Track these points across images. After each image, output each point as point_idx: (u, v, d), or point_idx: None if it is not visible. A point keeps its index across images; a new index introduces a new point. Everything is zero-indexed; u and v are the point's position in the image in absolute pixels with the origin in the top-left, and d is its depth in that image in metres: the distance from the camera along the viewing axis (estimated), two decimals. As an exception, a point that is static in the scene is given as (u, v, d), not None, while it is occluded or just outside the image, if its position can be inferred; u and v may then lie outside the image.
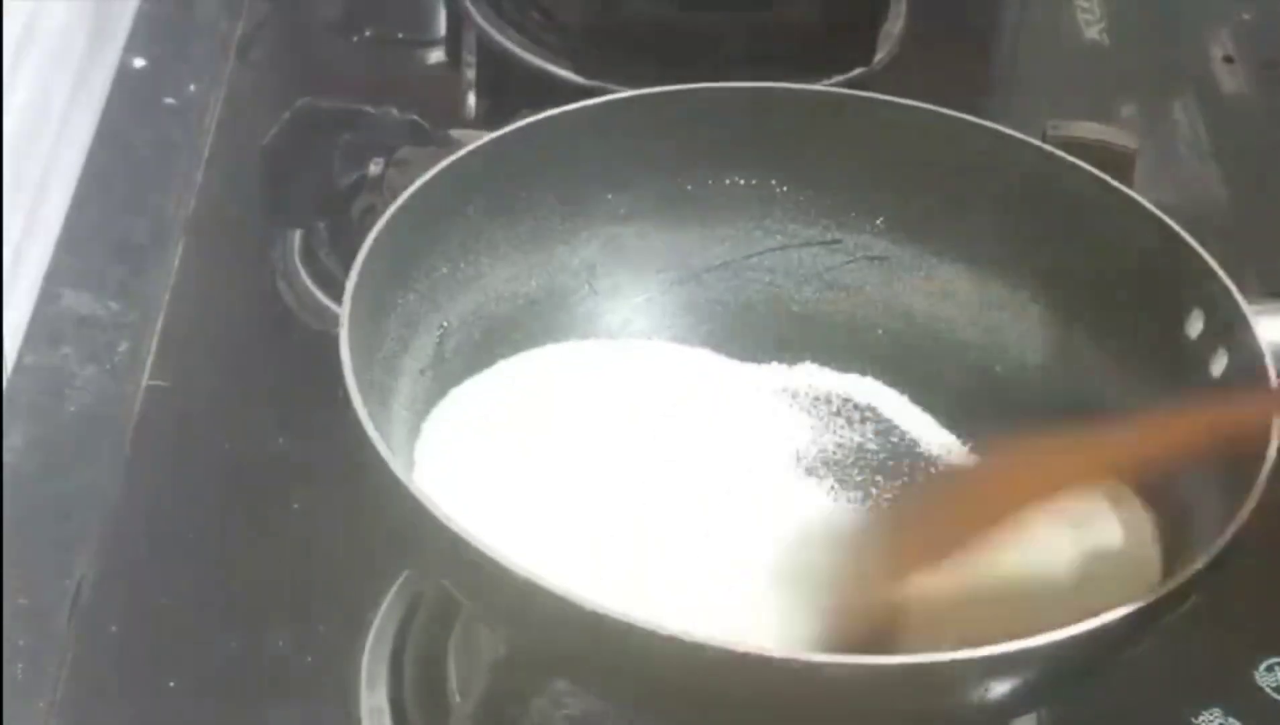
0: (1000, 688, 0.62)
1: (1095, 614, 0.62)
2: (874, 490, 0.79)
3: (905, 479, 0.80)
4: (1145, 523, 0.75)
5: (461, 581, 0.68)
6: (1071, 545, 0.74)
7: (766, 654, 0.61)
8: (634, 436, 0.79)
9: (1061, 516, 0.74)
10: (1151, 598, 0.64)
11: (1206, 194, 1.11)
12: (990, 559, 0.71)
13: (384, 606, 0.83)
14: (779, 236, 0.85)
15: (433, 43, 1.20)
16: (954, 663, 0.61)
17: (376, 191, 0.95)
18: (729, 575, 0.73)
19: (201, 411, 0.95)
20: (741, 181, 0.85)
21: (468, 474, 0.75)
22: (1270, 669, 0.84)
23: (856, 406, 0.83)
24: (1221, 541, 0.65)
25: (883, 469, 0.80)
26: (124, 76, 1.14)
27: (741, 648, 0.60)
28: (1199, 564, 0.65)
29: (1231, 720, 0.82)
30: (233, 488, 0.91)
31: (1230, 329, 0.74)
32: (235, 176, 1.06)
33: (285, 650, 0.83)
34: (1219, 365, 0.74)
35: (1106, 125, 0.99)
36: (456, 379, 0.79)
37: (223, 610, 0.85)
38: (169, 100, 1.13)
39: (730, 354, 0.84)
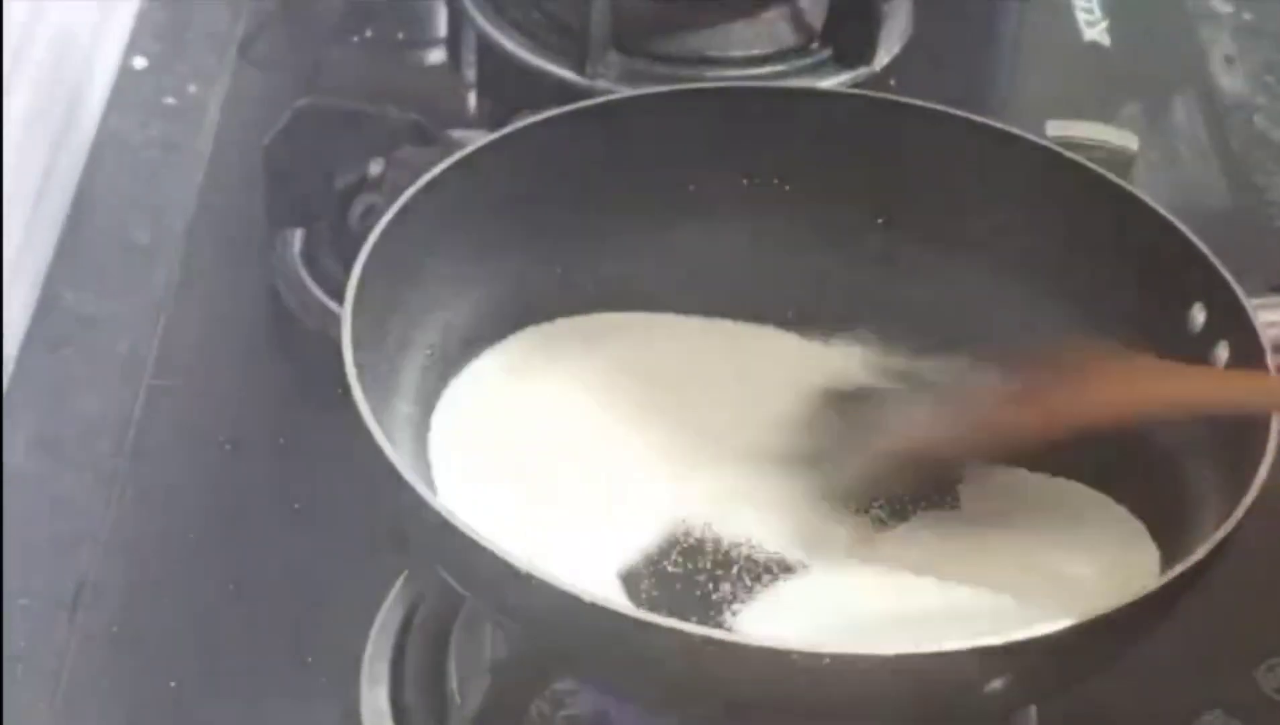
0: (1004, 678, 0.63)
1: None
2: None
3: None
4: (1138, 530, 0.75)
5: (459, 573, 0.68)
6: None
7: (765, 645, 0.61)
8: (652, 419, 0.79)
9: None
10: (1152, 588, 0.64)
11: (1206, 194, 1.11)
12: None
13: (384, 606, 0.83)
14: (781, 236, 0.85)
15: (433, 43, 1.20)
16: (955, 653, 0.61)
17: (377, 191, 0.96)
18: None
19: (201, 411, 0.95)
20: (744, 181, 0.85)
21: (483, 472, 0.76)
22: (1271, 669, 0.84)
23: None
24: (1223, 533, 0.65)
25: None
26: (125, 76, 1.14)
27: (742, 639, 0.61)
28: (1200, 554, 0.65)
29: (1233, 721, 0.81)
30: (233, 488, 0.91)
31: (1231, 321, 0.74)
32: (236, 177, 1.06)
33: (285, 650, 0.83)
34: (1220, 357, 0.75)
35: (1106, 125, 1.00)
36: (458, 379, 0.80)
37: (223, 610, 0.85)
38: (170, 100, 1.14)
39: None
